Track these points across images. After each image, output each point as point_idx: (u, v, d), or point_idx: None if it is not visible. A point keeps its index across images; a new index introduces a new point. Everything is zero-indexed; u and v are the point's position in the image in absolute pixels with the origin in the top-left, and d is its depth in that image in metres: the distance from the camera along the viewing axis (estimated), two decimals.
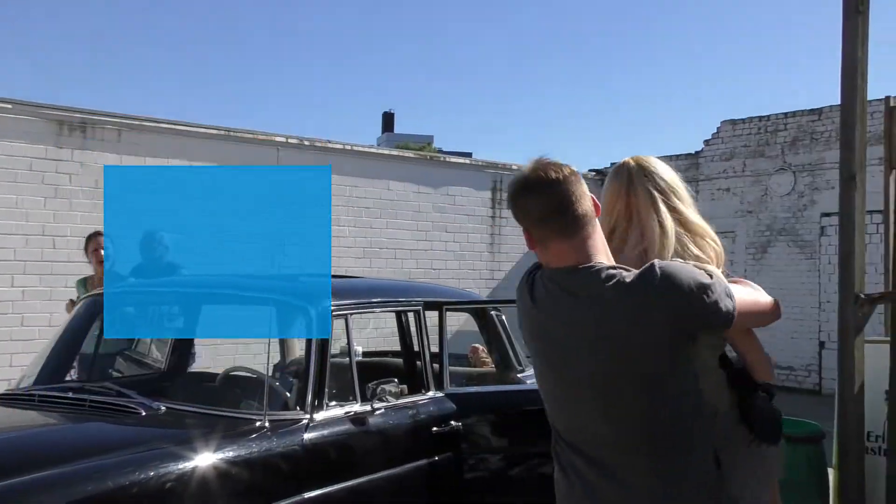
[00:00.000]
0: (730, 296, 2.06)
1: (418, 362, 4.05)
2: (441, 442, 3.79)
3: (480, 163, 13.88)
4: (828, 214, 12.73)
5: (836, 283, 12.71)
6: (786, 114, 13.48)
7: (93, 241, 6.33)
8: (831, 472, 4.34)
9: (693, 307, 2.00)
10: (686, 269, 2.05)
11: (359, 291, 3.95)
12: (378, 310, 3.98)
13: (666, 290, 1.98)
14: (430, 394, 3.93)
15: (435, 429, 3.78)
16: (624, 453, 2.07)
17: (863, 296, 4.13)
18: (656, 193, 2.30)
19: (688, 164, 14.72)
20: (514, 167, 14.18)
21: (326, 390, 3.40)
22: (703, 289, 2.01)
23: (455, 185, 13.38)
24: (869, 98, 4.31)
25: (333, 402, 3.49)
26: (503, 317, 4.97)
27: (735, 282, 2.25)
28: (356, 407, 3.50)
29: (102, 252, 6.16)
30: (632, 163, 2.37)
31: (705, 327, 2.09)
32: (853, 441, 4.06)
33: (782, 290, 12.96)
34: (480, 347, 5.33)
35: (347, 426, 3.40)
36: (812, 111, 13.13)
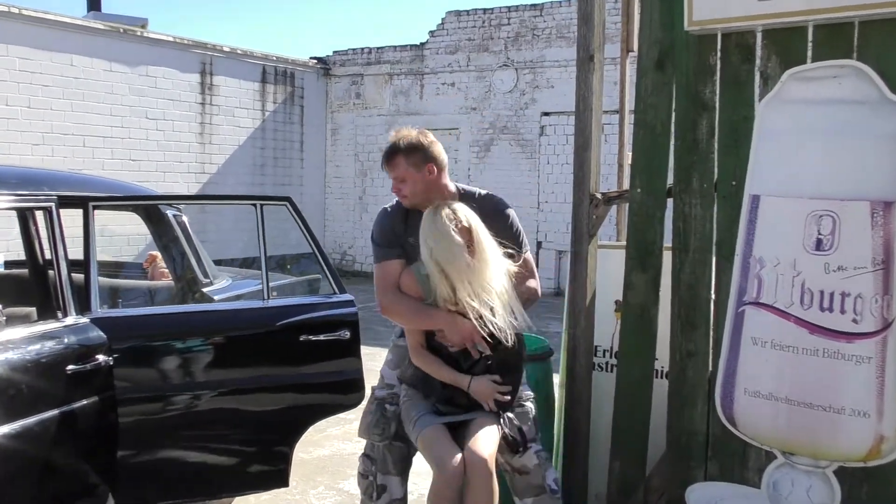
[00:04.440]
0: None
1: (52, 276, 3.00)
2: (81, 384, 2.83)
3: (186, 41, 12.31)
4: (547, 114, 12.76)
5: (553, 183, 12.82)
6: (508, 7, 13.21)
7: None
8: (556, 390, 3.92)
9: None
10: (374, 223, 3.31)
11: None
12: None
13: None
14: (69, 320, 2.92)
15: (71, 367, 2.79)
16: None
17: (598, 195, 3.66)
18: None
19: (412, 57, 14.13)
20: (225, 49, 12.79)
21: None
22: None
23: (156, 64, 11.78)
24: None
25: None
26: (184, 217, 3.99)
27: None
28: None
29: None
30: None
31: None
32: (583, 357, 3.65)
33: (504, 189, 12.93)
34: (159, 255, 4.32)
35: None
36: (534, 6, 12.95)
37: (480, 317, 2.99)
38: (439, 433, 3.04)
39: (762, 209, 3.11)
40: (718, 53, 3.25)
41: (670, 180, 3.42)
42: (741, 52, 3.21)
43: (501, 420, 3.11)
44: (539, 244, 12.79)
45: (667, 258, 3.45)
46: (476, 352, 3.09)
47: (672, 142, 3.41)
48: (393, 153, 3.20)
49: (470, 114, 13.53)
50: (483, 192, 3.46)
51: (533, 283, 3.32)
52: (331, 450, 5.02)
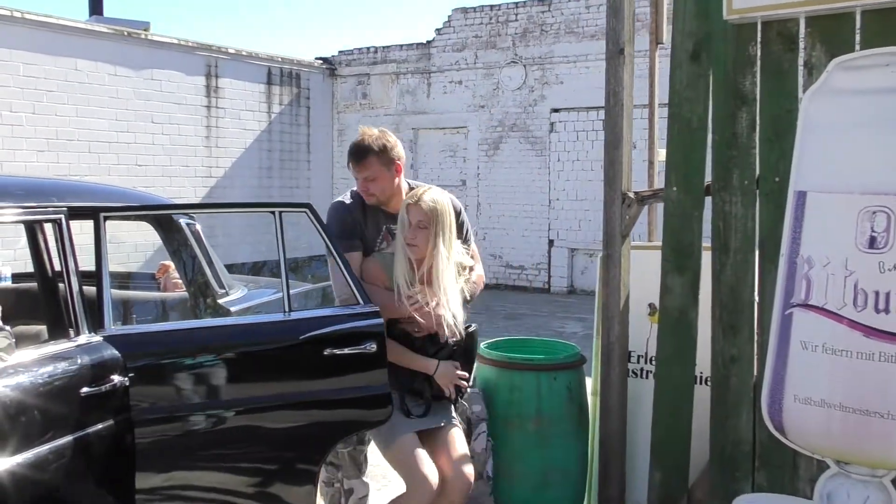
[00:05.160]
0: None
1: (62, 293, 2.84)
2: (97, 407, 2.67)
3: (192, 44, 12.17)
4: (557, 110, 12.59)
5: (564, 180, 12.65)
6: (516, 3, 13.04)
7: None
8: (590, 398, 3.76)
9: None
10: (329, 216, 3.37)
11: None
12: None
13: None
14: (82, 338, 2.75)
15: (86, 390, 2.63)
16: None
17: (631, 195, 3.50)
18: None
19: (418, 55, 13.97)
20: (230, 50, 12.65)
21: None
22: None
23: (161, 68, 11.64)
24: None
25: None
26: (197, 226, 3.83)
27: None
28: None
29: None
30: None
31: None
32: (617, 365, 3.48)
33: (514, 187, 12.79)
34: (172, 265, 4.15)
35: None
36: (541, 1, 12.77)
37: (437, 304, 3.14)
38: (415, 447, 3.11)
39: (809, 206, 2.95)
40: (759, 43, 3.10)
41: (708, 178, 3.27)
42: (783, 41, 3.05)
43: (456, 413, 3.28)
44: (551, 242, 12.62)
45: (705, 258, 3.29)
46: (444, 334, 3.17)
47: (709, 137, 3.25)
48: (365, 153, 3.29)
49: (478, 112, 13.36)
50: (430, 187, 3.51)
51: (481, 271, 3.48)
52: None
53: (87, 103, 10.68)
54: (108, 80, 10.92)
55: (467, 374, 3.27)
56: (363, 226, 3.34)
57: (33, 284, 3.90)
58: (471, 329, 3.31)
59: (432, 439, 3.19)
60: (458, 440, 3.21)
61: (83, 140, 10.68)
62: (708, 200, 3.26)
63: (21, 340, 2.84)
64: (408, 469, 3.09)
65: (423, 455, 3.10)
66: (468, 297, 3.31)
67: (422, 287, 3.16)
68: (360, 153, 3.30)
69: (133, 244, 9.15)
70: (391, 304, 3.14)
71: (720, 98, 3.19)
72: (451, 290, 3.18)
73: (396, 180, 3.35)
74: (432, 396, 3.21)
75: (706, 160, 3.26)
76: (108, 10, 14.89)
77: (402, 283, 3.15)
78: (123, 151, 11.20)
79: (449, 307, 3.16)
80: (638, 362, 3.68)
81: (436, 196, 3.19)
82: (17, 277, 4.32)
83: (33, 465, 2.43)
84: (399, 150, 3.36)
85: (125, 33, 11.27)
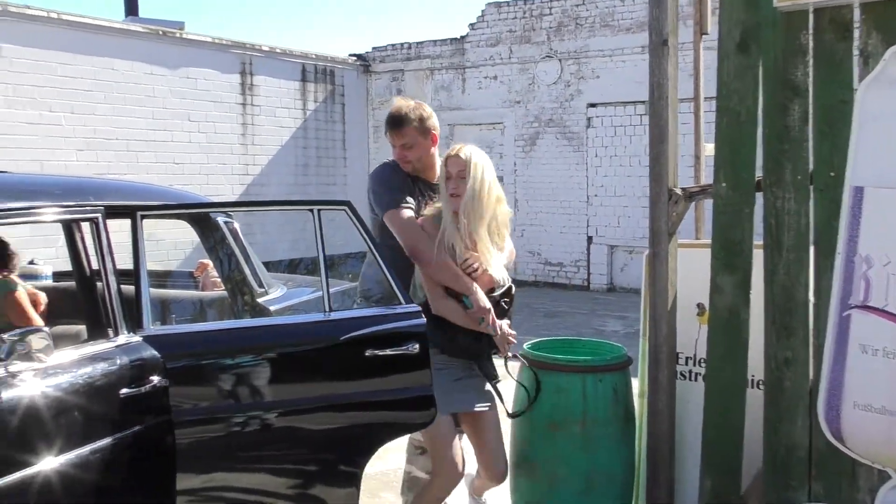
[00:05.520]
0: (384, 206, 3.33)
1: (101, 292, 2.81)
2: (136, 408, 2.64)
3: (226, 42, 12.20)
4: (594, 105, 12.44)
5: (602, 176, 12.44)
6: None
7: None
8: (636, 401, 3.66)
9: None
10: (376, 175, 3.51)
11: None
12: (16, 220, 2.66)
13: None
14: (121, 338, 2.72)
15: (125, 391, 2.60)
16: None
17: (678, 191, 3.39)
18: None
19: (452, 51, 13.89)
20: (265, 48, 12.67)
21: None
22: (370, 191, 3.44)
23: (197, 66, 11.68)
24: None
25: None
26: (235, 224, 3.80)
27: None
28: None
29: None
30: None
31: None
32: (666, 366, 3.38)
33: (551, 183, 12.66)
34: (211, 264, 4.13)
35: None
36: None
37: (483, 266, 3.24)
38: (451, 431, 3.28)
39: (867, 202, 2.82)
40: (811, 31, 2.97)
41: (759, 173, 3.15)
42: (837, 29, 2.92)
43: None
44: (590, 239, 12.48)
45: (756, 257, 3.18)
46: (485, 326, 3.20)
47: (759, 130, 3.14)
48: (402, 122, 3.43)
49: (514, 107, 13.25)
50: (466, 144, 3.58)
51: (511, 245, 3.56)
52: (394, 463, 4.80)
53: (123, 102, 10.75)
54: (145, 79, 10.98)
55: (514, 332, 3.36)
56: (411, 187, 3.43)
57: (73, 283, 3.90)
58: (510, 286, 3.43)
59: (474, 422, 3.38)
60: (497, 426, 3.40)
61: (121, 139, 10.75)
62: (759, 196, 3.15)
63: (61, 340, 2.82)
64: (442, 452, 3.27)
65: (456, 442, 3.30)
66: (505, 264, 3.41)
67: (470, 252, 3.24)
68: (398, 121, 3.43)
69: (171, 242, 9.19)
70: (461, 278, 3.20)
71: (770, 89, 3.07)
72: (489, 244, 3.29)
73: (432, 150, 3.48)
74: (487, 358, 3.34)
75: (756, 154, 3.15)
76: (144, 10, 15.03)
77: (448, 246, 3.20)
78: (161, 150, 11.26)
79: (492, 263, 3.27)
80: (686, 364, 3.58)
81: (474, 148, 3.30)
82: (58, 276, 4.33)
83: (74, 466, 2.41)
84: (434, 122, 3.50)
85: (160, 32, 11.33)
